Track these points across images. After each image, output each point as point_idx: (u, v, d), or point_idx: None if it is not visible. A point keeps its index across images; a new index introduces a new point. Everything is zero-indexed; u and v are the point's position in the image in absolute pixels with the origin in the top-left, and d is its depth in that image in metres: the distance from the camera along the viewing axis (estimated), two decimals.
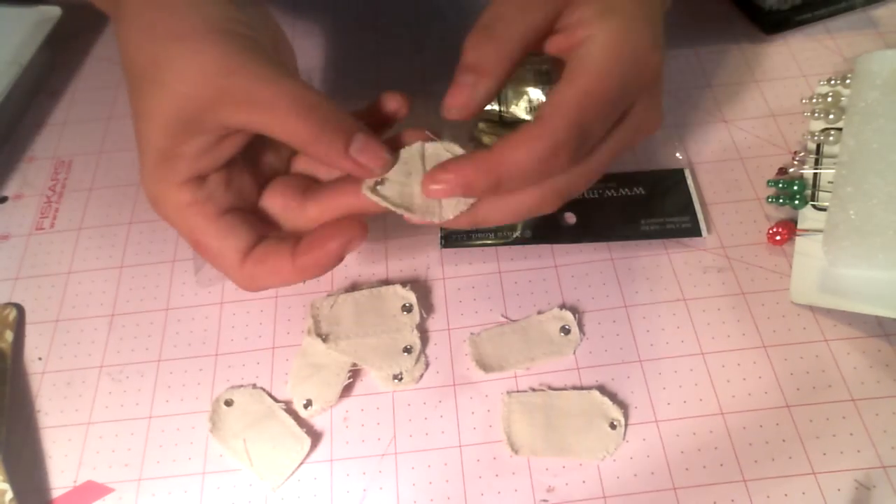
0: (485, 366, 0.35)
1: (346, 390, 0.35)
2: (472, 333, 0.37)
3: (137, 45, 0.29)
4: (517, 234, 0.39)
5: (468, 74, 0.29)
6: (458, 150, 0.31)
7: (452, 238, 0.40)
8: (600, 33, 0.28)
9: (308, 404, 0.35)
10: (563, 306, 0.37)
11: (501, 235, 0.39)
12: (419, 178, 0.30)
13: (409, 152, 0.31)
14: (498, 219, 0.30)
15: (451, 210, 0.30)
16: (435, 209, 0.30)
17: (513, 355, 0.36)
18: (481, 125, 0.42)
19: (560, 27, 0.30)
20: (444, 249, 0.40)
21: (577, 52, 0.28)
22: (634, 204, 0.40)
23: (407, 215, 0.30)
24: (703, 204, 0.40)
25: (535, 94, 0.40)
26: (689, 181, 0.41)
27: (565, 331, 0.36)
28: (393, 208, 0.30)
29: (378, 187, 0.30)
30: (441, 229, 0.40)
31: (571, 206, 0.39)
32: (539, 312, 0.37)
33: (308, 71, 0.49)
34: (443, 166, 0.29)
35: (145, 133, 0.29)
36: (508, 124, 0.41)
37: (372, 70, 0.49)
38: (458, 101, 0.29)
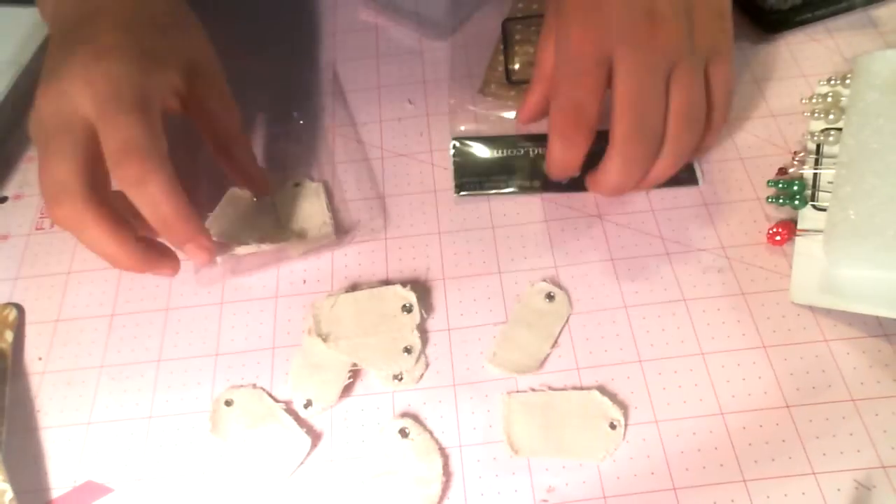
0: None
1: (346, 390, 0.35)
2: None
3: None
4: (529, 183, 0.42)
5: (569, 150, 0.35)
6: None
7: (467, 185, 0.42)
8: (622, 49, 0.33)
9: (308, 404, 0.35)
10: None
11: (516, 185, 0.42)
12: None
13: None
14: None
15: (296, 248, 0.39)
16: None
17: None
18: (493, 85, 0.46)
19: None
20: (459, 196, 0.42)
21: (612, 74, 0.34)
22: None
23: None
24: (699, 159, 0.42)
25: None
26: None
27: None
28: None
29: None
30: (455, 179, 0.42)
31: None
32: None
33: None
34: None
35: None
36: (515, 83, 0.45)
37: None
38: (559, 168, 0.36)
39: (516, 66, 0.46)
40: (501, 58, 0.47)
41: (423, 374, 0.36)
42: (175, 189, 0.32)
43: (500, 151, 0.43)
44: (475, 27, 0.50)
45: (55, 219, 0.32)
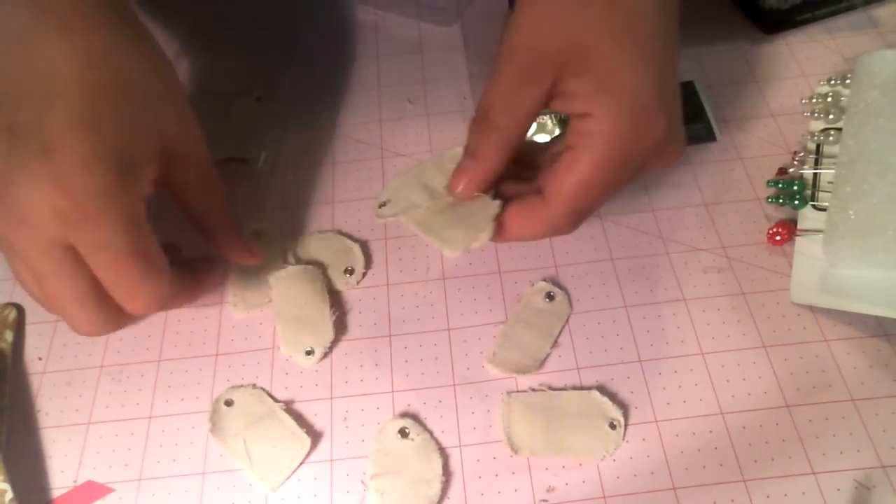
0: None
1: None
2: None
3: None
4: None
5: (468, 160, 0.32)
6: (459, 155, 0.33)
7: None
8: (598, 114, 0.29)
9: (311, 352, 0.36)
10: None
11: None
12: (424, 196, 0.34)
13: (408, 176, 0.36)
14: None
15: (456, 242, 0.33)
16: (442, 233, 0.33)
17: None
18: None
19: (559, 92, 0.30)
20: None
21: (576, 130, 0.30)
22: None
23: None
24: (714, 115, 0.43)
25: None
26: (700, 92, 0.43)
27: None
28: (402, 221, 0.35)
29: (381, 209, 0.36)
30: None
31: None
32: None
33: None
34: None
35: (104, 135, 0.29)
36: None
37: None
38: (459, 183, 0.32)
39: None
40: None
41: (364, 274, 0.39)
42: (173, 285, 0.31)
43: None
44: (479, 7, 0.51)
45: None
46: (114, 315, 0.31)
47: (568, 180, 0.30)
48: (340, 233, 0.41)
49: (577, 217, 0.31)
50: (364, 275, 0.39)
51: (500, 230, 0.32)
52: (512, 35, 0.30)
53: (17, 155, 0.27)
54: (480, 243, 0.32)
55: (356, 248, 0.40)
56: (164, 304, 0.31)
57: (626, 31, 0.29)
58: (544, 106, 0.30)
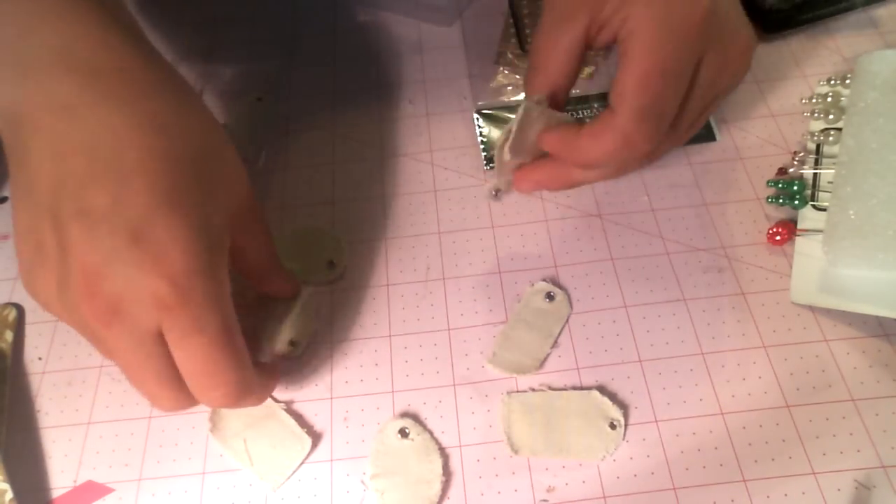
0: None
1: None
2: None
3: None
4: None
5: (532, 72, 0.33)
6: (553, 114, 0.33)
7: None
8: (633, 12, 0.30)
9: (294, 343, 0.36)
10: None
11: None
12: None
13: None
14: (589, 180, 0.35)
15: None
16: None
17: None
18: (508, 54, 0.47)
19: (598, 25, 0.31)
20: (487, 171, 0.43)
21: (625, 37, 0.30)
22: None
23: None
24: (714, 115, 0.43)
25: None
26: None
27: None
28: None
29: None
30: (484, 152, 0.43)
31: None
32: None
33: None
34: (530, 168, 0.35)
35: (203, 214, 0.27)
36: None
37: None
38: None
39: (528, 32, 0.47)
40: (513, 30, 0.48)
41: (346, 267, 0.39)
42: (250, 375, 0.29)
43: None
44: (479, 7, 0.51)
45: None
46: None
47: (625, 80, 0.29)
48: (319, 229, 0.41)
49: (647, 121, 0.30)
50: (346, 268, 0.39)
51: (576, 154, 0.32)
52: None
53: (102, 243, 0.25)
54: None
55: (341, 242, 0.40)
56: (244, 396, 0.29)
57: None
58: (586, 45, 0.32)
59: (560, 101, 0.33)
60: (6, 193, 0.45)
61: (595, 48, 0.33)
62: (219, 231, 0.28)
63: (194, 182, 0.27)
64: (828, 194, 0.36)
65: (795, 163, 0.39)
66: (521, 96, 0.45)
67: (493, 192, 0.41)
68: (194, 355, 0.26)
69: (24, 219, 0.27)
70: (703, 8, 0.30)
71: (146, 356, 0.26)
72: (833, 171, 0.36)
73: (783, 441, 0.33)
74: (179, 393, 0.28)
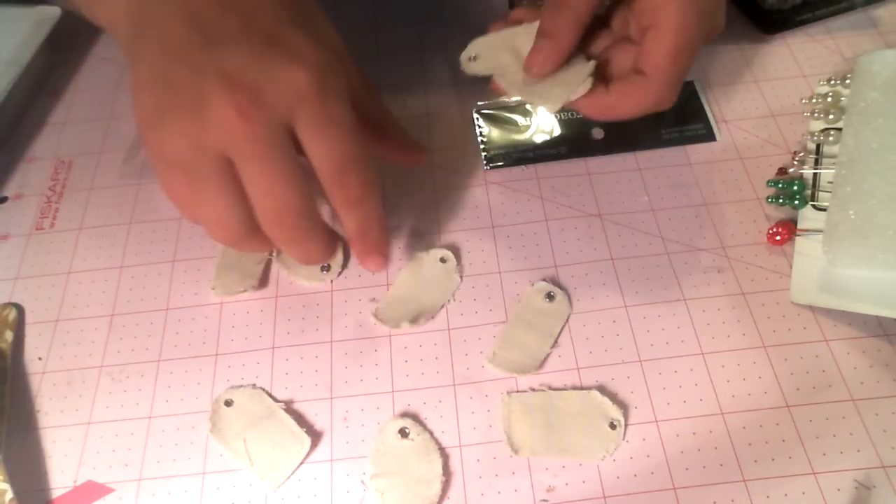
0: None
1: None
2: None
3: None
4: (555, 150, 0.43)
5: (543, 39, 0.35)
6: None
7: (496, 159, 0.43)
8: None
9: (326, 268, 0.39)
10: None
11: (541, 154, 0.43)
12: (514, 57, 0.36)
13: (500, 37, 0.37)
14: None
15: (556, 98, 0.35)
16: (542, 92, 0.35)
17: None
18: (525, 2, 0.47)
19: None
20: (487, 171, 0.43)
21: (656, 7, 0.33)
22: (654, 116, 0.39)
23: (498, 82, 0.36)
24: (714, 115, 0.44)
25: None
26: (700, 92, 0.44)
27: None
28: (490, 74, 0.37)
29: (470, 63, 0.37)
30: (484, 153, 0.44)
31: (599, 122, 0.44)
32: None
33: None
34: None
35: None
36: None
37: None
38: (536, 62, 0.35)
39: None
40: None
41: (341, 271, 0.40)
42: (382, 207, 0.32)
43: (526, 119, 0.45)
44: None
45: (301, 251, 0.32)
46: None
47: (659, 51, 0.33)
48: None
49: (677, 84, 0.35)
50: (340, 272, 0.39)
51: (608, 113, 0.35)
52: None
53: (240, 51, 0.28)
54: (578, 97, 0.35)
55: (340, 242, 0.40)
56: (373, 207, 0.32)
57: None
58: None
59: (580, 38, 0.35)
60: (6, 193, 0.45)
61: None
62: (334, 56, 0.31)
63: (309, 18, 0.32)
64: (828, 194, 0.36)
65: (795, 163, 0.39)
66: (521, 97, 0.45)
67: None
68: (331, 147, 0.29)
69: (145, 70, 0.29)
70: None
71: (279, 148, 0.28)
72: (833, 171, 0.36)
73: (783, 441, 0.33)
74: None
